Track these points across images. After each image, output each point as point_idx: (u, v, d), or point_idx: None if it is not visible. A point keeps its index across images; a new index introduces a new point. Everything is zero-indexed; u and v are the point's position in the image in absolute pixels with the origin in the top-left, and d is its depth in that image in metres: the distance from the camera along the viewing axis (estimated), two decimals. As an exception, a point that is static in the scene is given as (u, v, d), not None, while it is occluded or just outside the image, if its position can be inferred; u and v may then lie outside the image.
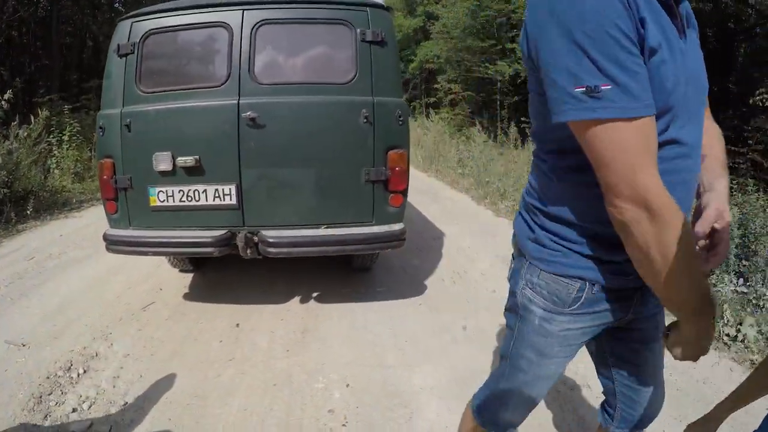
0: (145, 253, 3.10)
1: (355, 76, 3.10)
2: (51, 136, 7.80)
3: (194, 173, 3.01)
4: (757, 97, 9.60)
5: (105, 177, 3.06)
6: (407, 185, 3.25)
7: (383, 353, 3.05)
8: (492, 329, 3.36)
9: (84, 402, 2.52)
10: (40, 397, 2.55)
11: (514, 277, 1.21)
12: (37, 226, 5.74)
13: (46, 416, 2.41)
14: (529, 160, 8.13)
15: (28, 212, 5.89)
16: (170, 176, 3.00)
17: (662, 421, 2.17)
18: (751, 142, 9.82)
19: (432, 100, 20.17)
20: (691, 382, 2.70)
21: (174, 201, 3.03)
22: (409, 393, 2.66)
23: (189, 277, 4.19)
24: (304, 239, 3.03)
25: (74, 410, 2.46)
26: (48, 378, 2.71)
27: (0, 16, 11.68)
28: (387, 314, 3.56)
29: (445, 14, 17.84)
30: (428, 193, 8.09)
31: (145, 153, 2.98)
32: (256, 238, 3.07)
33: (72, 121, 8.35)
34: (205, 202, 3.03)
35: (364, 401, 2.58)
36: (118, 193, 3.08)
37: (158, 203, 3.04)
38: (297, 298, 3.77)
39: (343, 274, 4.28)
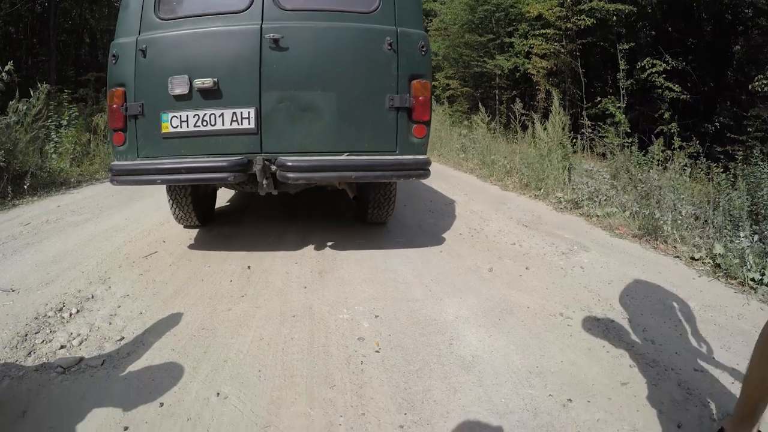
0: (154, 182, 2.85)
1: (378, 6, 3.00)
2: (50, 120, 7.57)
3: (211, 96, 2.82)
4: (756, 83, 9.52)
5: (115, 105, 2.87)
6: (430, 116, 3.10)
7: (408, 290, 2.80)
8: (520, 272, 3.13)
9: (74, 339, 2.25)
10: (26, 335, 2.27)
11: None
12: (33, 201, 5.46)
13: (30, 353, 2.13)
14: (530, 145, 7.92)
15: (25, 187, 5.62)
16: (185, 101, 2.81)
17: (712, 349, 2.23)
18: (750, 129, 9.73)
19: (430, 97, 20.00)
20: (728, 318, 2.58)
21: (188, 126, 2.81)
22: (444, 322, 2.42)
23: (195, 231, 3.93)
24: (325, 163, 2.81)
25: (62, 347, 2.18)
26: (36, 318, 2.43)
27: (-3, 11, 11.58)
28: (408, 258, 3.31)
29: (444, 10, 17.79)
30: (434, 173, 7.81)
31: (159, 78, 2.81)
32: (273, 167, 2.84)
33: (71, 106, 8.13)
34: (221, 127, 2.82)
35: (396, 329, 2.33)
36: (127, 122, 2.88)
37: (171, 129, 2.82)
38: (311, 246, 3.52)
39: (357, 229, 4.04)
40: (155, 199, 5.11)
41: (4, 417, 1.71)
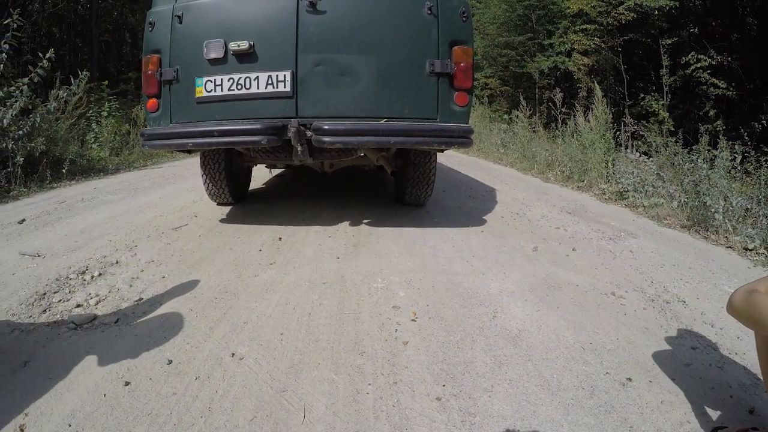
0: (185, 146, 2.77)
1: None
2: (90, 111, 7.72)
3: (247, 60, 2.74)
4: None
5: (149, 72, 2.83)
6: (473, 84, 2.92)
7: (449, 264, 2.60)
8: (567, 253, 2.91)
9: (92, 299, 2.16)
10: (44, 294, 2.20)
11: None
12: (71, 185, 5.53)
13: (45, 310, 2.06)
14: (572, 136, 7.58)
15: (64, 172, 5.70)
16: (220, 65, 2.75)
17: None
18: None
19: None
20: None
21: (222, 90, 2.73)
22: (487, 295, 2.22)
23: (227, 208, 3.84)
24: (363, 127, 2.67)
25: (79, 306, 2.10)
26: (57, 280, 2.36)
27: (41, 10, 11.99)
28: (448, 236, 3.12)
29: (482, 9, 17.53)
30: (473, 165, 7.67)
31: (195, 43, 2.76)
32: (309, 133, 2.71)
33: (111, 97, 8.29)
34: (256, 90, 2.72)
35: (435, 300, 2.15)
36: (161, 87, 2.84)
37: (205, 94, 2.75)
38: (346, 222, 3.37)
39: (394, 209, 3.86)
40: (191, 182, 5.09)
41: (6, 366, 1.63)
